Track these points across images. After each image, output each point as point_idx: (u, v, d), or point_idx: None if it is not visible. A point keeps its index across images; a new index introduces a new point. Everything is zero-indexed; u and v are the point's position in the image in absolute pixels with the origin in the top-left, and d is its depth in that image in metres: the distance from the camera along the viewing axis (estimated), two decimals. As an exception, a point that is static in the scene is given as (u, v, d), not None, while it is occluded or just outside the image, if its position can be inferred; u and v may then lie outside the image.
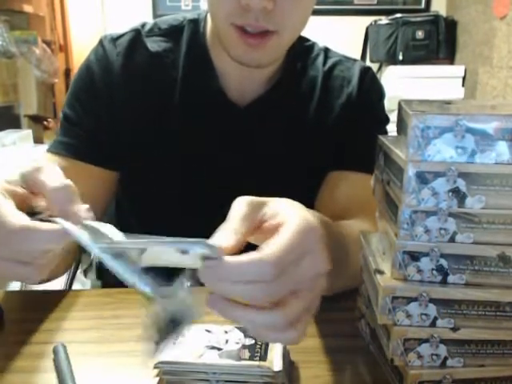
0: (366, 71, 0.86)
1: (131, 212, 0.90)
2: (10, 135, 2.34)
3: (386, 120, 0.88)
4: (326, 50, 0.88)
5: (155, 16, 3.16)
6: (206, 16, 0.82)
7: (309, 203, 0.87)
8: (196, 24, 0.82)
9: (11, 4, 2.74)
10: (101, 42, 0.81)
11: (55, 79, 3.00)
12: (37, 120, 2.94)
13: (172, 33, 0.82)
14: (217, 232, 0.39)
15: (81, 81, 0.81)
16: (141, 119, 0.80)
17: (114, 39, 0.81)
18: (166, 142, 0.80)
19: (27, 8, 2.84)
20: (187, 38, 0.81)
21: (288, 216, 0.39)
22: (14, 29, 2.79)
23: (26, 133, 2.47)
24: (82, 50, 3.10)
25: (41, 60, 2.81)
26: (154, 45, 0.81)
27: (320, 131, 0.83)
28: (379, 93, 0.88)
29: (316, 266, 0.38)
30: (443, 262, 0.48)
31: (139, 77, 0.79)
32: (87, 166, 0.78)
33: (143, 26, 0.83)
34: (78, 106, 0.79)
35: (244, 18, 0.65)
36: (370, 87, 0.86)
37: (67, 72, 3.25)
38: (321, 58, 0.86)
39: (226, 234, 0.38)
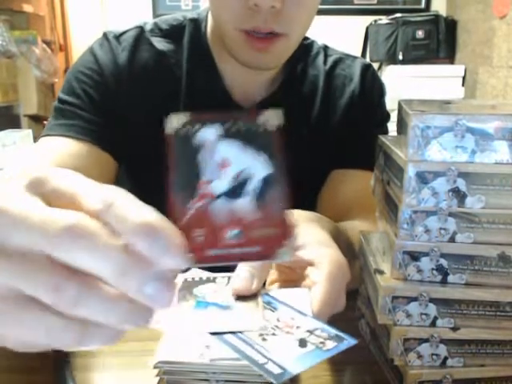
0: (367, 68, 0.86)
1: None
2: (10, 135, 2.34)
3: (388, 116, 0.88)
4: (326, 48, 0.88)
5: (155, 16, 3.16)
6: (206, 15, 0.82)
7: (312, 202, 0.86)
8: (197, 24, 0.82)
9: (11, 4, 2.74)
10: (105, 36, 0.80)
11: (55, 79, 3.00)
12: (37, 120, 2.94)
13: (173, 33, 0.81)
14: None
15: (87, 68, 0.78)
16: (144, 115, 0.79)
17: (118, 36, 0.80)
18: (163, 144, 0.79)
19: (27, 8, 2.84)
20: (188, 39, 0.81)
21: (321, 263, 0.44)
22: (14, 28, 2.79)
23: (26, 133, 2.47)
24: (81, 49, 3.09)
25: (41, 60, 2.81)
26: (159, 44, 0.81)
27: (324, 131, 0.83)
28: (381, 89, 0.88)
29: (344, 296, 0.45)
30: (443, 261, 0.48)
31: (145, 73, 0.79)
32: (96, 149, 0.74)
33: (145, 24, 0.83)
34: (80, 91, 0.76)
35: (252, 22, 0.64)
36: (372, 84, 0.86)
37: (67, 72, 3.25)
38: (321, 57, 0.86)
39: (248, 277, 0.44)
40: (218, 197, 0.29)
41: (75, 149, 0.74)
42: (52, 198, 0.27)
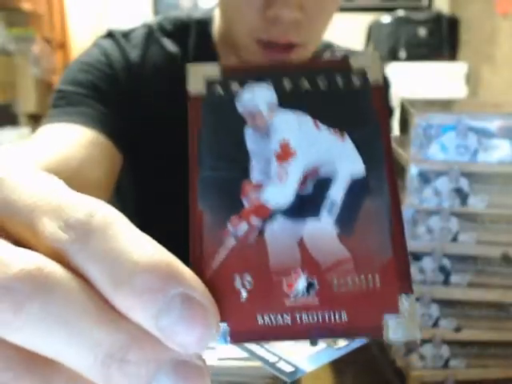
0: None
1: (136, 212, 0.89)
2: (7, 133, 2.33)
3: (392, 111, 0.88)
4: (330, 45, 0.87)
5: (155, 12, 3.15)
6: (213, 16, 0.80)
7: None
8: (203, 26, 0.80)
9: (9, 1, 2.74)
10: (111, 33, 0.78)
11: (54, 77, 3.00)
12: (35, 118, 2.94)
13: (177, 34, 0.80)
14: None
15: (95, 60, 0.75)
16: (151, 116, 0.77)
17: (125, 34, 0.78)
18: (175, 145, 0.78)
19: (26, 5, 2.84)
20: (195, 41, 0.79)
21: None
22: (13, 26, 2.79)
23: (24, 131, 2.47)
24: (80, 47, 3.10)
25: (39, 58, 2.81)
26: (168, 45, 0.79)
27: None
28: (387, 83, 0.88)
29: None
30: (446, 261, 0.47)
31: (155, 73, 0.77)
32: (106, 141, 0.67)
33: (151, 23, 0.81)
34: (87, 82, 0.71)
35: (271, 33, 0.61)
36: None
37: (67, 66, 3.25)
38: (327, 54, 0.85)
39: None
40: (275, 214, 0.17)
41: (85, 137, 0.66)
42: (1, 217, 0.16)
